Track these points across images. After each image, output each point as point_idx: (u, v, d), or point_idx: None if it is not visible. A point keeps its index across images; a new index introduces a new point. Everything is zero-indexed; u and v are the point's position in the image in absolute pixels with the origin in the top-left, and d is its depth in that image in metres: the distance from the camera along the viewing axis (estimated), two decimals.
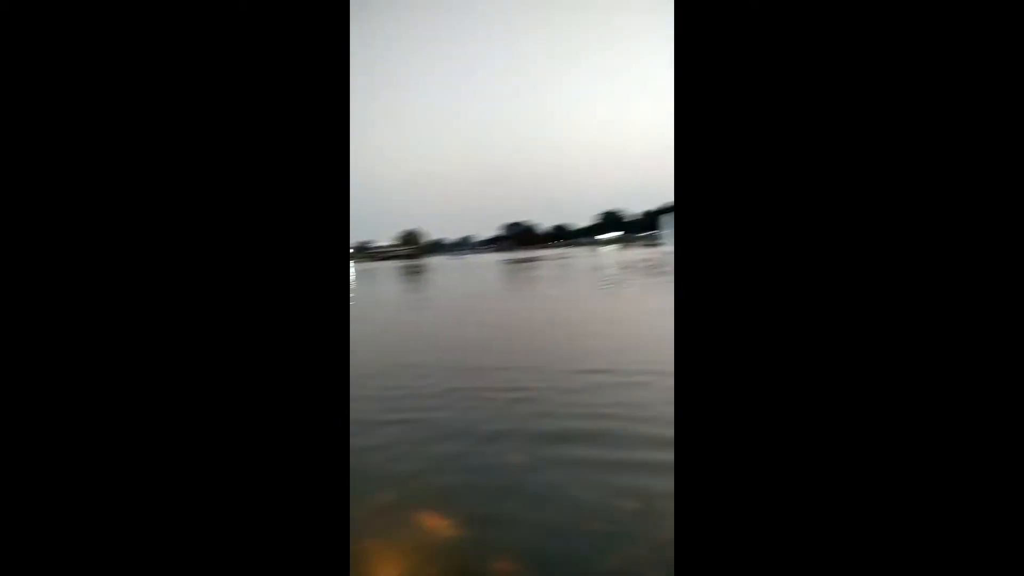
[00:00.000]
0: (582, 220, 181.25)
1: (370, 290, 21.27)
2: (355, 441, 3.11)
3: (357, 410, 3.71)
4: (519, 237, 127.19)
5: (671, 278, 12.06)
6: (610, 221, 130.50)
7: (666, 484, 2.30)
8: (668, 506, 2.13)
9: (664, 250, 30.79)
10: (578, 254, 51.36)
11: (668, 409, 3.22)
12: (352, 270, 58.34)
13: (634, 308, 9.12)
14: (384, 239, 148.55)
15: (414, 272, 37.95)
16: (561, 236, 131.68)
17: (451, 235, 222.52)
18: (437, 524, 2.12)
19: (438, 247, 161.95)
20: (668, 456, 2.40)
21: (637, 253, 36.80)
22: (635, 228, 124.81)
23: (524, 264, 36.35)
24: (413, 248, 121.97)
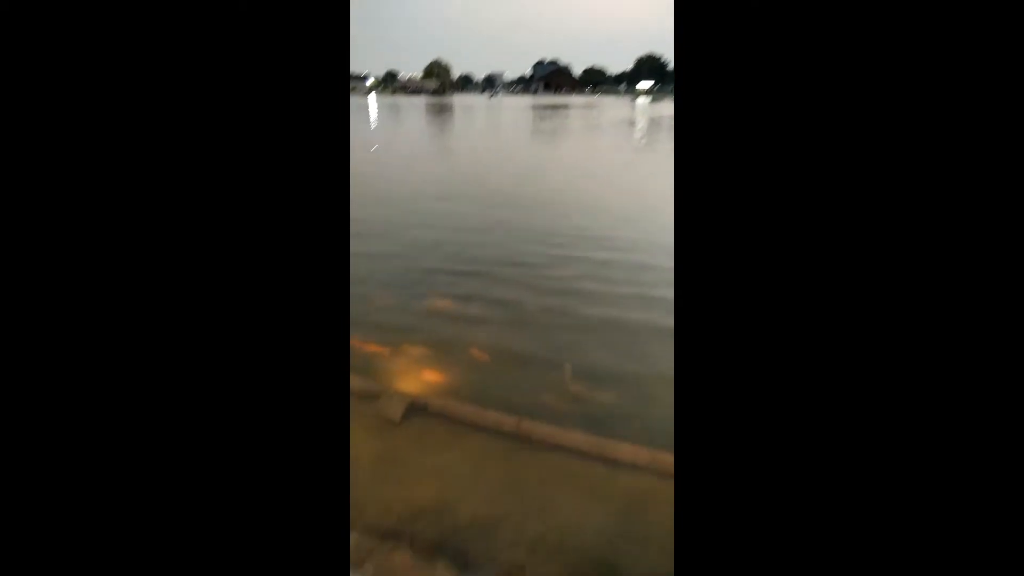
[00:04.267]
0: (617, 65, 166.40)
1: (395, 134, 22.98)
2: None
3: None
4: (550, 79, 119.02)
5: None
6: (648, 68, 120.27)
7: None
8: None
9: None
10: (611, 104, 50.19)
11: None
12: (374, 104, 56.84)
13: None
14: (410, 70, 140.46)
15: (440, 111, 38.62)
16: (594, 81, 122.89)
17: (479, 71, 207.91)
18: None
19: (465, 84, 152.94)
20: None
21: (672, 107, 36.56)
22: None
23: (553, 111, 36.61)
24: (439, 83, 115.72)
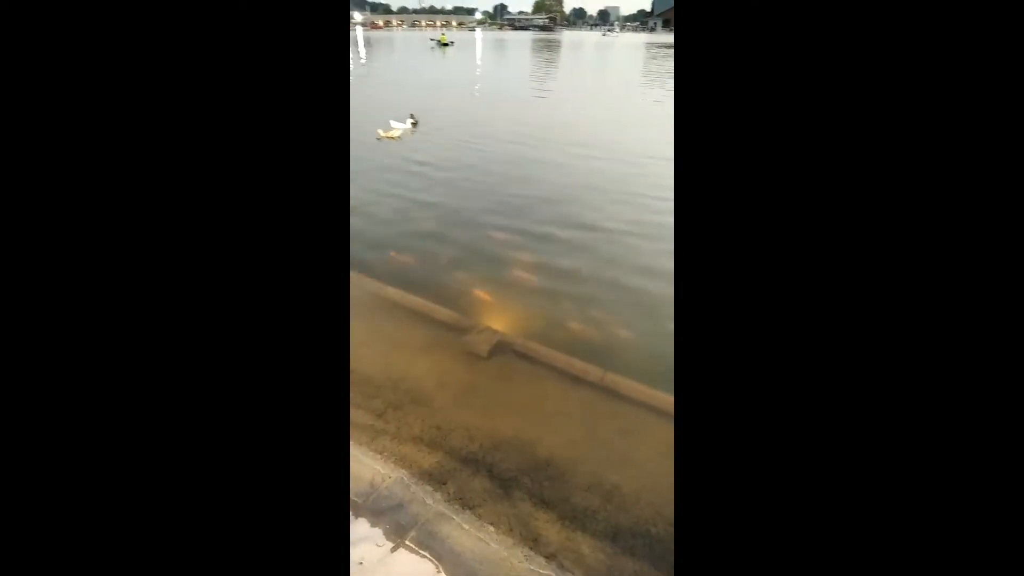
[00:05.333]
0: None
1: (491, 70, 22.36)
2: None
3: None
4: (670, 15, 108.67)
5: None
6: None
7: None
8: None
9: None
10: None
11: None
12: (480, 40, 56.09)
13: None
14: (520, 3, 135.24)
15: (546, 48, 37.01)
16: None
17: (593, 4, 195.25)
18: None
19: (577, 19, 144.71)
20: None
21: None
22: None
23: (668, 51, 33.71)
24: (549, 18, 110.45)
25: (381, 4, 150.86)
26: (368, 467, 1.94)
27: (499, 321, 3.10)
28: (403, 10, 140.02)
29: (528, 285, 3.58)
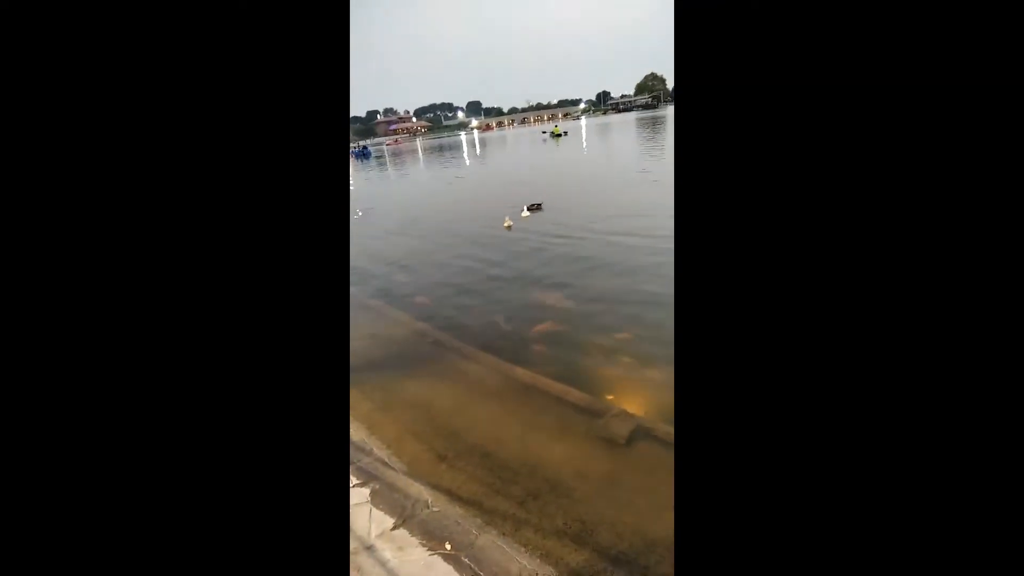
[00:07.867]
0: None
1: (573, 153, 22.94)
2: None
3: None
4: None
5: None
6: None
7: None
8: None
9: None
10: None
11: None
12: (584, 127, 59.11)
13: None
14: (623, 88, 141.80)
15: (649, 125, 37.77)
16: None
17: None
18: None
19: None
20: None
21: None
22: None
23: None
24: (652, 96, 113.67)
25: (494, 108, 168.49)
26: (514, 561, 1.88)
27: (634, 404, 2.96)
28: (513, 110, 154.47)
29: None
